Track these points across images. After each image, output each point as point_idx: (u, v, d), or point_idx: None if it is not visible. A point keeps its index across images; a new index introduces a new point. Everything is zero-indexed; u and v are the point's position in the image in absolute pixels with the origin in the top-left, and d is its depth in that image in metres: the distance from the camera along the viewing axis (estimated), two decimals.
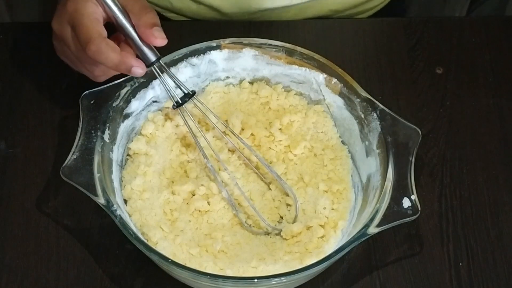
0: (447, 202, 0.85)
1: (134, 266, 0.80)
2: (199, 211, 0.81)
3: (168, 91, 0.80)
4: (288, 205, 0.83)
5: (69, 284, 0.79)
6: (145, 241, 0.75)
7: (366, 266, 0.81)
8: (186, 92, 0.81)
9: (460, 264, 0.81)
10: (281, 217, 0.82)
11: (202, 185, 0.81)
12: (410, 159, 0.77)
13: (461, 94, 0.95)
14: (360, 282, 0.80)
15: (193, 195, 0.82)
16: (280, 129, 0.86)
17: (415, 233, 0.83)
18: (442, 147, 0.90)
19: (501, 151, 0.90)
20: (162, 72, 0.80)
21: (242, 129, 0.86)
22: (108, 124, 0.79)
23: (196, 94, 0.81)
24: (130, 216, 0.79)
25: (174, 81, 0.81)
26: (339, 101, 0.85)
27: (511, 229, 0.84)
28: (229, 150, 0.85)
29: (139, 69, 0.76)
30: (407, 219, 0.74)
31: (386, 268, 0.81)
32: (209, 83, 0.89)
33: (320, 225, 0.79)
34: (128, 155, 0.84)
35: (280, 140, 0.86)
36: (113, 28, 0.78)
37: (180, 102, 0.81)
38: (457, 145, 0.90)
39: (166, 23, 1.03)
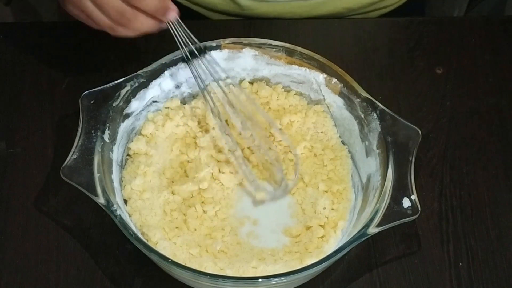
0: (447, 202, 0.85)
1: (134, 266, 0.80)
2: (199, 211, 0.81)
3: (181, 47, 0.81)
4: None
5: (69, 284, 0.79)
6: (145, 241, 0.75)
7: (366, 266, 0.81)
8: (197, 48, 0.82)
9: (460, 264, 0.81)
10: None
11: (201, 186, 0.82)
12: (410, 159, 0.77)
13: (461, 94, 0.95)
14: (360, 282, 0.80)
15: (192, 195, 0.82)
16: (280, 129, 0.86)
17: (415, 233, 0.83)
18: (442, 147, 0.90)
19: (501, 151, 0.90)
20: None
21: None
22: (108, 124, 0.79)
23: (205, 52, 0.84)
24: (130, 216, 0.79)
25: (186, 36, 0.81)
26: (339, 101, 0.85)
27: (511, 229, 0.84)
28: (229, 150, 0.85)
29: (174, 13, 0.78)
30: (407, 219, 0.74)
31: (386, 268, 0.81)
32: (209, 83, 0.89)
33: (320, 225, 0.79)
34: (128, 155, 0.84)
35: (280, 140, 0.86)
36: None
37: (189, 56, 0.82)
38: (457, 145, 0.90)
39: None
